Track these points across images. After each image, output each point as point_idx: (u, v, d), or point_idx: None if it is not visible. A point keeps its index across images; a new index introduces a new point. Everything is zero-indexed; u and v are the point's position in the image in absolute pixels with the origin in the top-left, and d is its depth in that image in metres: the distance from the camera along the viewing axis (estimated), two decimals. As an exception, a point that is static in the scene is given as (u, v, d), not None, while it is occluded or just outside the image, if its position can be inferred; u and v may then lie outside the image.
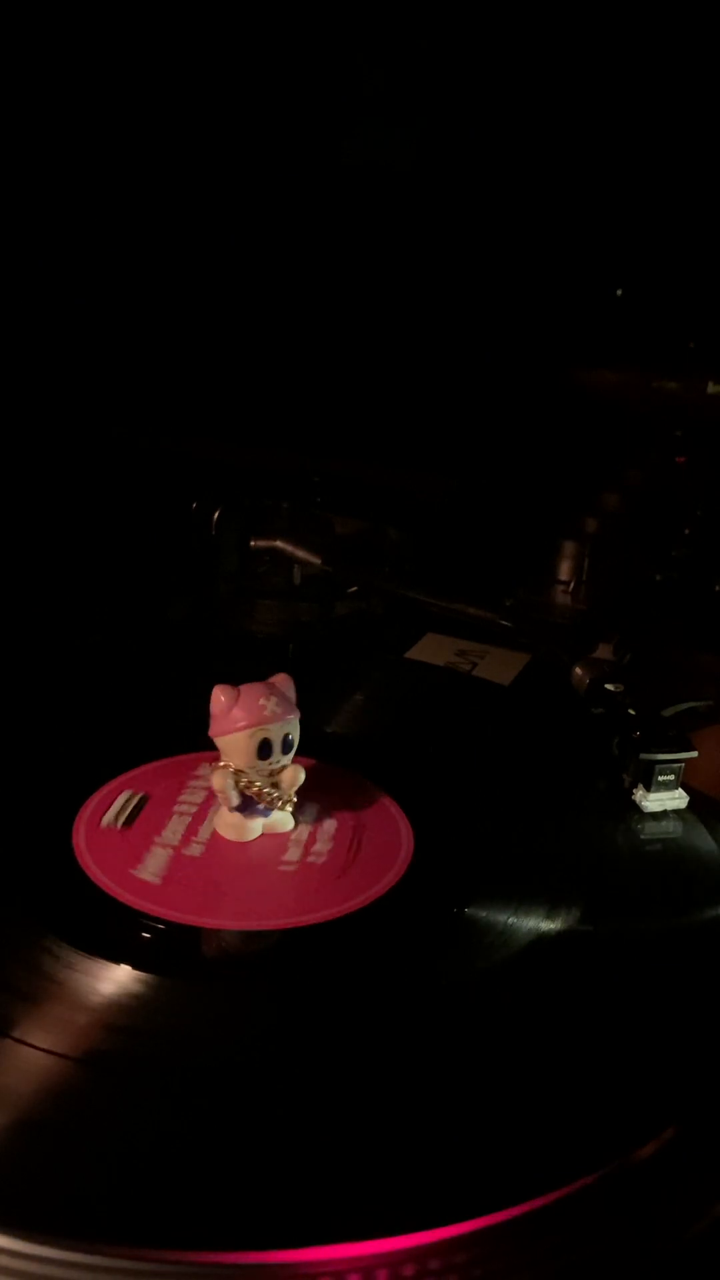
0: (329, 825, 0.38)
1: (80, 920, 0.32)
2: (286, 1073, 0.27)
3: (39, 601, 0.61)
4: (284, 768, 0.36)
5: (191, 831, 0.37)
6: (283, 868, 0.35)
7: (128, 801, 0.38)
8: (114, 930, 0.32)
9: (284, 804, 0.37)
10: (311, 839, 0.37)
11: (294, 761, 0.37)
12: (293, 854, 0.36)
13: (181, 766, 0.41)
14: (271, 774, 0.36)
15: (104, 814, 0.38)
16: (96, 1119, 0.26)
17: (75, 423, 0.79)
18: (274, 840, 0.37)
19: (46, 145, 0.75)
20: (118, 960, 0.30)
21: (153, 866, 0.35)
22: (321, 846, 0.36)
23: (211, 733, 0.36)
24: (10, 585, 0.62)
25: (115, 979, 0.30)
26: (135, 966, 0.30)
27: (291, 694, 0.37)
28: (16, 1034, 0.27)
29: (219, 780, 0.36)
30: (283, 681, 0.37)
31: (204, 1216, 0.23)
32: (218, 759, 0.36)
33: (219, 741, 0.36)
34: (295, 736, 0.36)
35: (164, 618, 0.63)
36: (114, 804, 0.38)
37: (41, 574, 0.66)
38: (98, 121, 0.75)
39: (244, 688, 0.36)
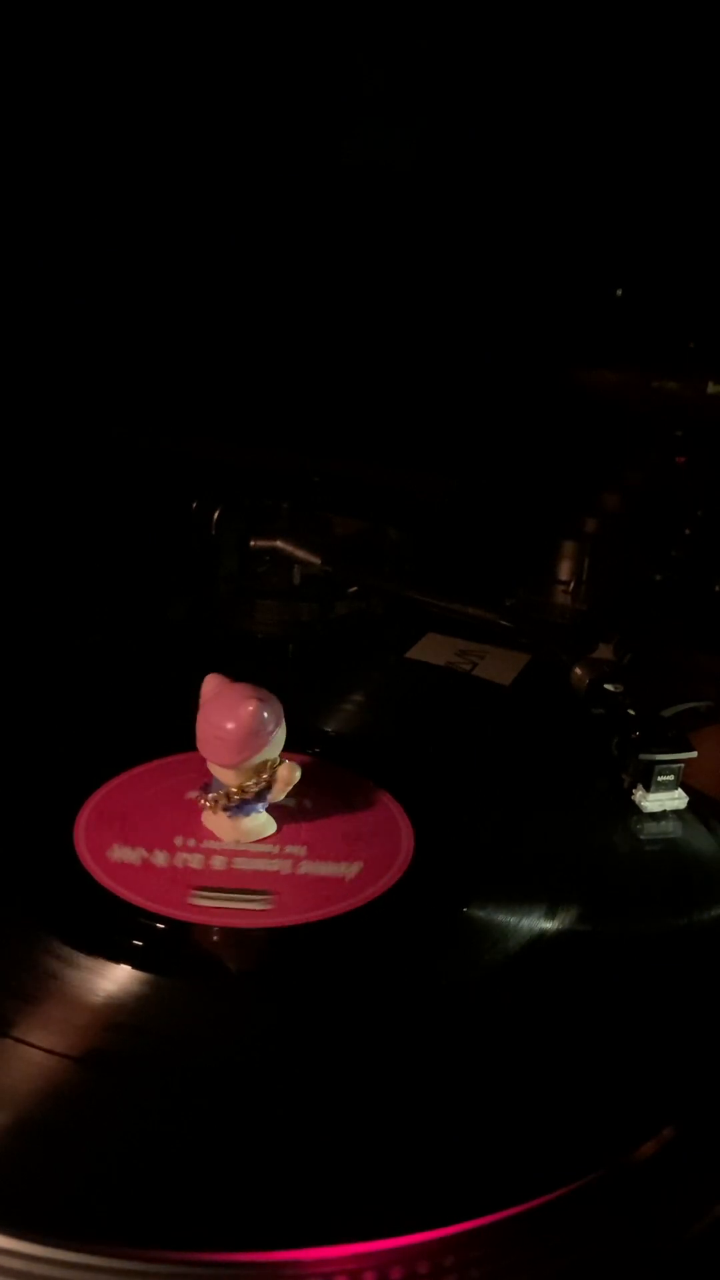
0: (326, 844, 0.37)
1: (80, 920, 0.32)
2: (286, 1073, 0.27)
3: (39, 601, 0.61)
4: (276, 766, 0.36)
5: (191, 825, 0.37)
6: (269, 866, 0.35)
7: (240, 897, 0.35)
8: (113, 930, 0.32)
9: (278, 795, 0.37)
10: (301, 841, 0.37)
11: (293, 760, 0.37)
12: (280, 859, 0.36)
13: (188, 762, 0.41)
14: (262, 781, 0.36)
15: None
16: (96, 1119, 0.26)
17: (75, 423, 0.79)
18: (264, 841, 0.37)
19: (47, 145, 0.75)
20: (118, 960, 0.30)
21: (137, 853, 0.35)
22: (308, 850, 0.36)
23: (201, 752, 0.36)
24: (10, 585, 0.62)
25: (115, 979, 0.30)
26: (135, 966, 0.30)
27: (272, 714, 0.36)
28: (16, 1034, 0.27)
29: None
30: (248, 716, 0.35)
31: (204, 1216, 0.23)
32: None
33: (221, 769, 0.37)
34: (279, 744, 0.36)
35: (164, 618, 0.63)
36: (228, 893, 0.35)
37: (41, 574, 0.66)
38: (98, 121, 0.75)
39: (229, 715, 0.35)
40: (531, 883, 0.35)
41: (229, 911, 0.33)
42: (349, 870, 0.35)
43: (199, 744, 0.36)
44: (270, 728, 0.35)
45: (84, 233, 0.77)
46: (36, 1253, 0.22)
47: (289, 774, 0.37)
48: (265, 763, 0.36)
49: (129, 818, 0.38)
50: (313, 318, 0.78)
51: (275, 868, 0.35)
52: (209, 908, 0.33)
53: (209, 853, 0.36)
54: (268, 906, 0.33)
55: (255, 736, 0.35)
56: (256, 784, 0.36)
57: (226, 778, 0.36)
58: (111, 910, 0.33)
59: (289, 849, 0.36)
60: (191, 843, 0.36)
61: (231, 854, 0.36)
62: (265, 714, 0.35)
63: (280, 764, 0.36)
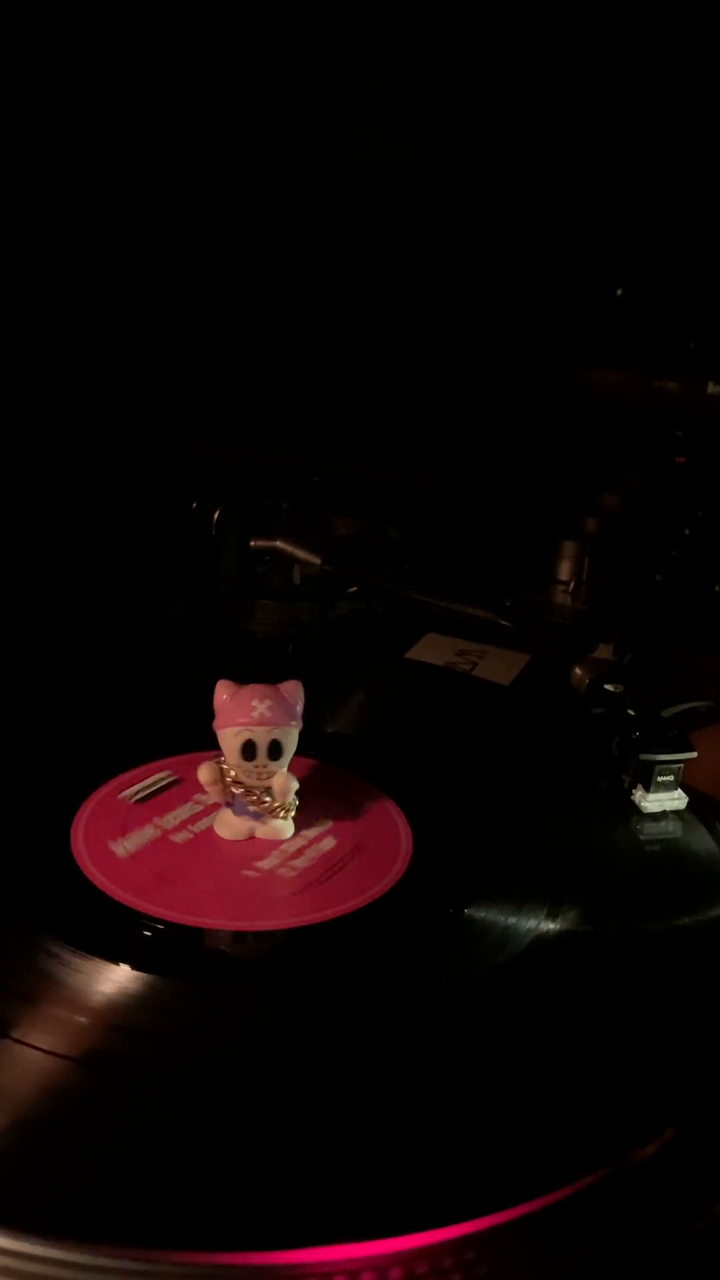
0: (327, 843, 0.37)
1: (80, 920, 0.32)
2: (286, 1073, 0.27)
3: (39, 601, 0.61)
4: (273, 773, 0.36)
5: (192, 820, 0.37)
6: (247, 872, 0.35)
7: (156, 781, 0.39)
8: (113, 930, 0.32)
9: (278, 810, 0.37)
10: (299, 852, 0.36)
11: (294, 763, 0.37)
12: (269, 862, 0.36)
13: (190, 763, 0.41)
14: (260, 777, 0.36)
15: (127, 788, 0.38)
16: (96, 1119, 0.26)
17: (75, 423, 0.79)
18: (263, 846, 0.37)
19: (47, 145, 0.75)
20: (117, 960, 0.30)
21: (131, 843, 0.35)
22: (302, 862, 0.36)
23: (214, 725, 0.36)
24: (10, 585, 0.62)
25: (115, 979, 0.30)
26: (135, 966, 0.30)
27: (296, 702, 0.36)
28: (16, 1034, 0.27)
29: (204, 773, 0.36)
30: (290, 689, 0.36)
31: (204, 1216, 0.23)
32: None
33: (217, 735, 0.36)
34: (288, 745, 0.36)
35: (164, 618, 0.63)
36: (143, 780, 0.39)
37: (41, 574, 0.66)
38: (97, 121, 0.75)
39: (246, 687, 0.36)
40: (531, 883, 0.35)
41: (245, 913, 0.33)
42: (348, 870, 0.35)
43: (237, 720, 0.36)
44: (293, 702, 0.36)
45: (84, 233, 0.77)
46: (36, 1253, 0.22)
47: (284, 783, 0.36)
48: (268, 773, 0.36)
49: (131, 819, 0.38)
50: (313, 318, 0.78)
51: (273, 864, 0.35)
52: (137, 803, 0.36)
53: (210, 863, 0.36)
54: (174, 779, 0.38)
55: (298, 703, 0.36)
56: (253, 784, 0.36)
57: (228, 756, 0.36)
58: (111, 911, 0.33)
59: (283, 851, 0.36)
60: (184, 830, 0.36)
61: (232, 858, 0.36)
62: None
63: (276, 774, 0.36)
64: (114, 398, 0.80)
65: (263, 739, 0.35)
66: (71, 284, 0.78)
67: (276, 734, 0.36)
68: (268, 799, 0.36)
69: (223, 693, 0.36)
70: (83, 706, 0.48)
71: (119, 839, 0.36)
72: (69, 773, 0.40)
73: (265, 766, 0.36)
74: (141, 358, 0.80)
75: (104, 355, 0.79)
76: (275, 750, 0.36)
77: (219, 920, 0.33)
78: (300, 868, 0.35)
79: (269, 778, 0.36)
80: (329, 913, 0.33)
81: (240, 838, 0.37)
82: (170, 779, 0.39)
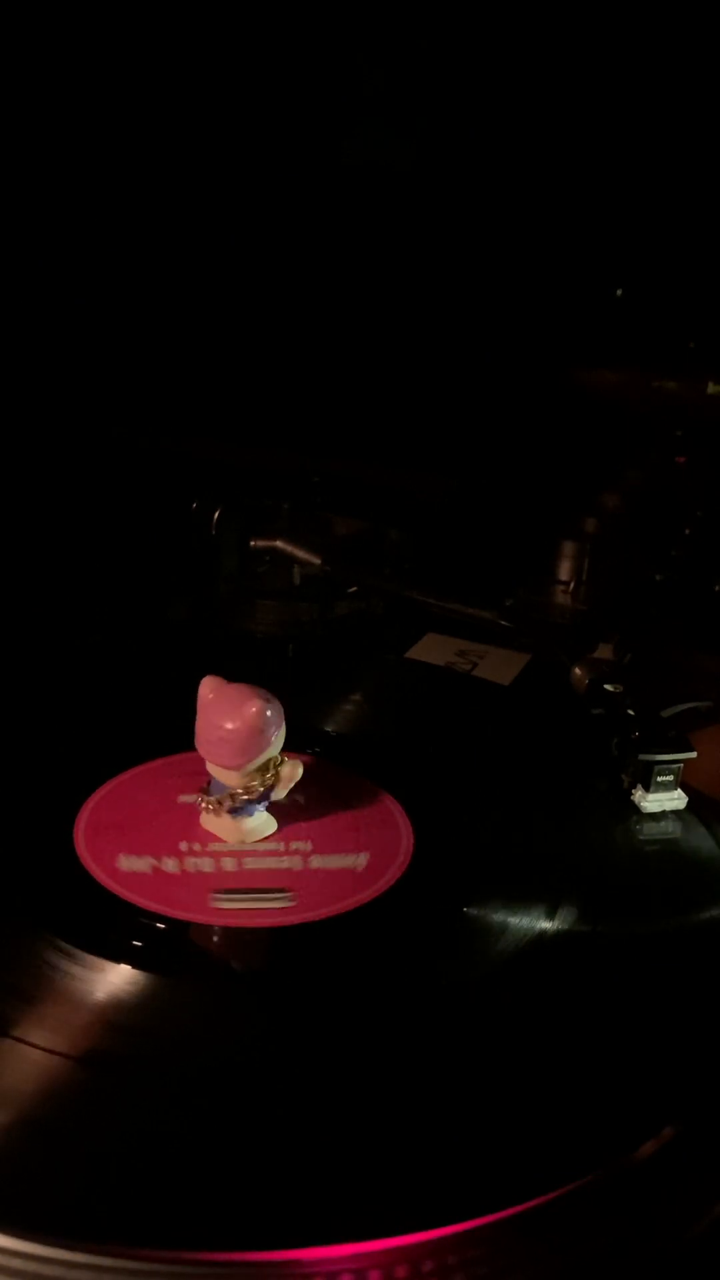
0: (323, 823, 0.38)
1: (80, 920, 0.32)
2: (286, 1072, 0.27)
3: (39, 601, 0.61)
4: (279, 763, 0.36)
5: (190, 826, 0.37)
6: (270, 865, 0.35)
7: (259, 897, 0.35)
8: (114, 929, 0.32)
9: (282, 792, 0.37)
10: (303, 838, 0.37)
11: (294, 759, 0.37)
12: (274, 860, 0.36)
13: (187, 762, 0.41)
14: (265, 782, 0.36)
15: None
16: (96, 1119, 0.26)
17: (75, 423, 0.79)
18: (264, 840, 0.37)
19: (46, 145, 0.75)
20: (118, 960, 0.30)
21: (141, 859, 0.35)
22: (303, 853, 0.36)
23: (200, 753, 0.36)
24: (10, 585, 0.62)
25: (115, 978, 0.30)
26: (135, 966, 0.30)
27: (274, 715, 0.36)
28: (16, 1034, 0.27)
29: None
30: (252, 713, 0.35)
31: (204, 1216, 0.23)
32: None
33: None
34: (279, 745, 0.36)
35: (164, 618, 0.63)
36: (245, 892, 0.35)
37: (42, 574, 0.66)
38: (98, 121, 0.75)
39: (203, 720, 0.36)
40: (531, 883, 0.35)
41: (244, 913, 0.33)
42: (357, 861, 0.35)
43: (199, 746, 0.36)
44: (273, 728, 0.35)
45: (84, 233, 0.77)
46: (36, 1253, 0.22)
47: (292, 772, 0.37)
48: (269, 762, 0.36)
49: (130, 818, 0.38)
50: (312, 318, 0.78)
51: (286, 865, 0.36)
52: (230, 910, 0.33)
53: (218, 855, 0.36)
54: (290, 903, 0.33)
55: (259, 736, 0.35)
56: (261, 784, 0.36)
57: (228, 779, 0.36)
58: (111, 909, 0.33)
59: (294, 846, 0.36)
60: (197, 846, 0.36)
61: (240, 854, 0.36)
62: (269, 713, 0.35)
63: (282, 763, 0.36)
64: (114, 398, 0.80)
65: (272, 753, 0.36)
66: (71, 284, 0.78)
67: (269, 754, 0.36)
68: (272, 791, 0.37)
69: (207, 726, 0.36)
70: (83, 706, 0.48)
71: (128, 855, 0.35)
72: (69, 772, 0.40)
73: (264, 776, 0.36)
74: (141, 358, 0.80)
75: (104, 355, 0.79)
76: (273, 764, 0.36)
77: (226, 920, 0.33)
78: (308, 864, 0.36)
79: (276, 770, 0.36)
80: (329, 912, 0.33)
81: (240, 839, 0.37)
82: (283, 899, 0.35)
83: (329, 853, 0.36)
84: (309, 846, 0.36)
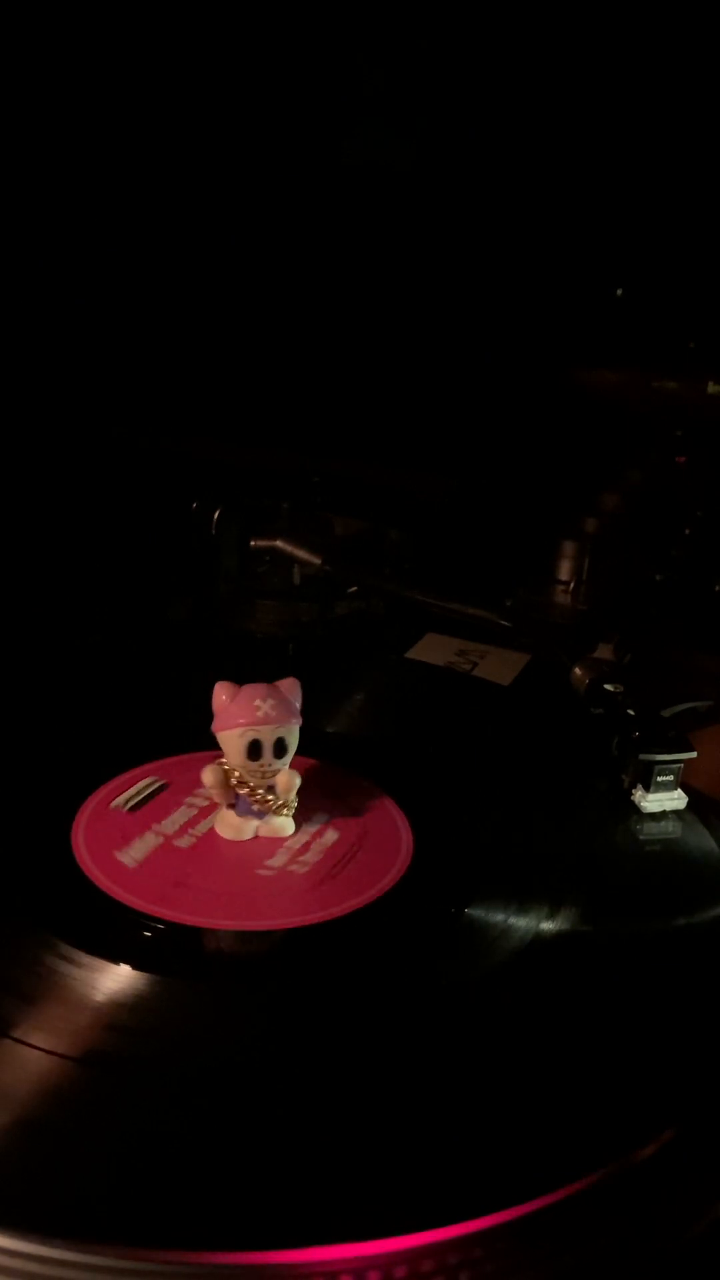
0: (329, 836, 0.37)
1: (80, 920, 0.32)
2: (286, 1073, 0.27)
3: (39, 602, 0.61)
4: (277, 771, 0.36)
5: (190, 824, 0.37)
6: (261, 871, 0.35)
7: (145, 788, 0.39)
8: (113, 929, 0.32)
9: (280, 809, 0.37)
10: (304, 848, 0.36)
11: (294, 763, 0.37)
12: (278, 860, 0.36)
13: (202, 762, 0.41)
14: (264, 775, 0.36)
15: (118, 796, 0.38)
16: (96, 1119, 0.26)
17: (76, 423, 0.79)
18: (267, 844, 0.37)
19: (47, 145, 0.75)
20: (117, 960, 0.30)
21: (136, 851, 0.35)
22: (310, 857, 0.36)
23: (212, 728, 0.36)
24: (11, 585, 0.62)
25: (115, 979, 0.30)
26: (135, 966, 0.30)
27: (295, 699, 0.36)
28: (16, 1034, 0.27)
29: (209, 775, 0.36)
30: (288, 686, 0.36)
31: (204, 1216, 0.23)
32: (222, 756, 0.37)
33: (217, 738, 0.36)
34: (291, 742, 0.36)
35: (164, 618, 0.63)
36: (132, 787, 0.39)
37: (42, 574, 0.66)
38: (97, 121, 0.75)
39: (245, 687, 0.36)
40: (531, 883, 0.35)
41: (245, 912, 0.33)
42: (351, 867, 0.35)
43: (239, 721, 0.35)
44: (292, 699, 0.36)
45: (84, 233, 0.77)
46: (36, 1253, 0.22)
47: (288, 780, 0.36)
48: (273, 771, 0.36)
49: (130, 818, 0.38)
50: (313, 318, 0.78)
51: (286, 865, 0.35)
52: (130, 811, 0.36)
53: (210, 863, 0.36)
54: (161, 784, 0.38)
55: (298, 700, 0.36)
56: (258, 784, 0.36)
57: (232, 757, 0.36)
58: (110, 910, 0.33)
59: (289, 848, 0.36)
60: (186, 834, 0.36)
61: (232, 859, 0.36)
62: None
63: (280, 771, 0.36)
64: (114, 398, 0.80)
65: (268, 738, 0.35)
66: (72, 284, 0.78)
67: (281, 732, 0.36)
68: (271, 797, 0.36)
69: (222, 694, 0.36)
70: (83, 706, 0.48)
71: (124, 848, 0.35)
72: (69, 772, 0.40)
73: (270, 765, 0.36)
74: (141, 358, 0.80)
75: (104, 356, 0.79)
76: (280, 748, 0.36)
77: (237, 922, 0.33)
78: (311, 863, 0.36)
79: (273, 775, 0.36)
80: (329, 912, 0.33)
81: (243, 838, 0.37)
82: (157, 784, 0.39)
83: (322, 859, 0.36)
84: (304, 851, 0.36)
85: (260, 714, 0.35)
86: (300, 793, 0.37)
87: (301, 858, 0.36)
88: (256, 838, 0.37)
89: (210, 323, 0.79)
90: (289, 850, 0.36)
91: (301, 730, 0.36)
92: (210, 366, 0.80)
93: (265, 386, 0.79)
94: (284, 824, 0.37)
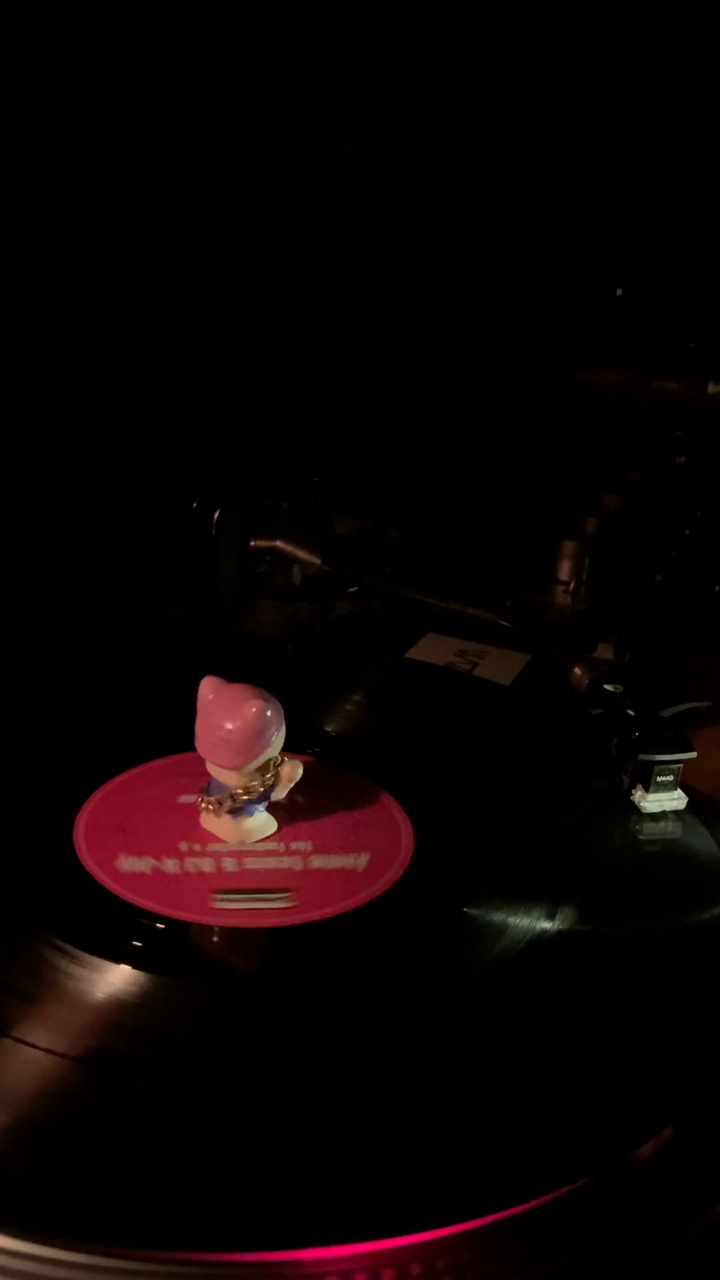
0: (327, 834, 0.37)
1: (80, 920, 0.32)
2: (286, 1073, 0.27)
3: (40, 602, 0.61)
4: (279, 764, 0.36)
5: (190, 827, 0.37)
6: (274, 864, 0.35)
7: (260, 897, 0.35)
8: (114, 929, 0.32)
9: (282, 792, 0.37)
10: (303, 848, 0.37)
11: (294, 759, 0.37)
12: (278, 860, 0.36)
13: (186, 763, 0.41)
14: (265, 783, 0.36)
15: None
16: (96, 1119, 0.26)
17: (76, 423, 0.79)
18: (265, 840, 0.37)
19: (45, 144, 0.75)
20: (117, 960, 0.30)
21: (143, 860, 0.35)
22: (311, 856, 0.36)
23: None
24: (11, 586, 0.62)
25: (115, 979, 0.30)
26: (135, 966, 0.30)
27: (268, 717, 0.35)
28: (16, 1034, 0.27)
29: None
30: (250, 718, 0.35)
31: (204, 1216, 0.23)
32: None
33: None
34: (279, 745, 0.36)
35: (164, 618, 0.63)
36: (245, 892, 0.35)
37: (42, 574, 0.66)
38: (96, 120, 0.75)
39: (202, 721, 0.36)
40: (531, 883, 0.35)
41: (245, 913, 0.33)
42: (357, 862, 0.35)
43: (199, 747, 0.36)
44: (273, 728, 0.35)
45: (84, 232, 0.77)
46: (36, 1253, 0.22)
47: (291, 772, 0.37)
48: (269, 762, 0.36)
49: (130, 818, 0.38)
50: (313, 318, 0.78)
51: (286, 865, 0.36)
52: (232, 910, 0.33)
53: (218, 855, 0.36)
54: (291, 904, 0.34)
55: (259, 737, 0.35)
56: (260, 784, 0.36)
57: (229, 779, 0.36)
58: (111, 910, 0.33)
59: (295, 846, 0.36)
60: (197, 846, 0.36)
61: (240, 855, 0.36)
62: (269, 713, 0.35)
63: (282, 763, 0.36)
64: (115, 398, 0.80)
65: (273, 753, 0.36)
66: (72, 284, 0.78)
67: (270, 754, 0.36)
68: (272, 791, 0.37)
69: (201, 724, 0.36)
70: (83, 706, 0.48)
71: (129, 856, 0.35)
72: (69, 772, 0.40)
73: (264, 776, 0.36)
74: (142, 358, 0.80)
75: (105, 356, 0.79)
76: (273, 764, 0.36)
77: (226, 920, 0.33)
78: (308, 864, 0.36)
79: (277, 771, 0.36)
80: (329, 912, 0.33)
81: (240, 839, 0.37)
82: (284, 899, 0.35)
83: (329, 853, 0.36)
84: (309, 847, 0.36)
85: (259, 745, 0.35)
86: (300, 793, 0.37)
87: (302, 856, 0.36)
88: (250, 836, 0.37)
89: (210, 323, 0.79)
90: (288, 847, 0.36)
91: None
92: (210, 366, 0.80)
93: (265, 386, 0.79)
94: (267, 821, 0.37)
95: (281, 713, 0.36)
